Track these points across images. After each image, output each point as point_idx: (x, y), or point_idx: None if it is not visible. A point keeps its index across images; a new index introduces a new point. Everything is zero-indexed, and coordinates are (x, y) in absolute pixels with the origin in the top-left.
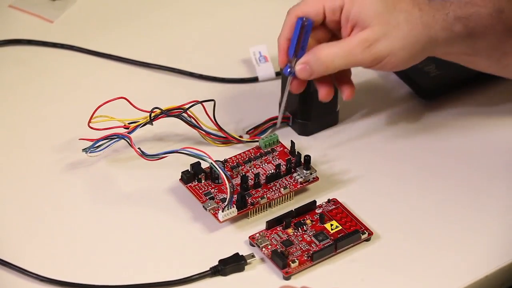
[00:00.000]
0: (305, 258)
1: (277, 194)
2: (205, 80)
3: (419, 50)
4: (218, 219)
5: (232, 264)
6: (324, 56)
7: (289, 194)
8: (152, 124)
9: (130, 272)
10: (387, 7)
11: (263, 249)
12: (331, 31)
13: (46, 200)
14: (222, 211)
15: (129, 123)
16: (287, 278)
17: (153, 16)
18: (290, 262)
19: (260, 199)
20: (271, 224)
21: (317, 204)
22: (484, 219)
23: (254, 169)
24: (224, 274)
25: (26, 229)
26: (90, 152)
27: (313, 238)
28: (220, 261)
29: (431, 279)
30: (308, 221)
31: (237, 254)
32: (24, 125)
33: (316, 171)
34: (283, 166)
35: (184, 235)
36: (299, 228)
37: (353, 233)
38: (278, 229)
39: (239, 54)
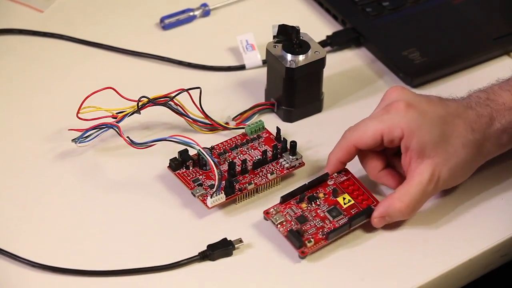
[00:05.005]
0: (320, 236)
1: (264, 179)
2: (194, 69)
3: (474, 168)
4: (206, 205)
5: (220, 249)
6: (404, 208)
7: (276, 180)
8: (139, 113)
9: (120, 257)
10: (444, 136)
11: (279, 226)
12: (385, 157)
13: (37, 188)
14: (211, 197)
15: (117, 113)
16: (303, 257)
17: (142, 6)
18: (306, 242)
19: (247, 185)
20: (286, 199)
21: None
22: (479, 198)
23: (241, 155)
24: (213, 259)
25: (17, 216)
26: (79, 142)
27: (326, 214)
28: (208, 246)
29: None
30: (321, 195)
31: (225, 239)
32: (15, 114)
33: (302, 156)
34: (269, 152)
35: (173, 221)
36: (313, 203)
37: (366, 210)
38: (292, 203)
39: (226, 43)
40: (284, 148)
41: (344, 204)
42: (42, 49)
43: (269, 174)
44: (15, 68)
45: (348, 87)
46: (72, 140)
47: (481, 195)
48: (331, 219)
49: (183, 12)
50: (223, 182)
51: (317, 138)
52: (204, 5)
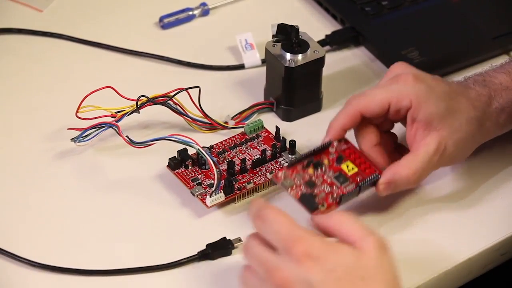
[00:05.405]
0: (331, 201)
1: (263, 178)
2: (192, 68)
3: (475, 146)
4: (206, 204)
5: (220, 248)
6: (411, 175)
7: None
8: (139, 112)
9: (119, 256)
10: (450, 110)
11: (289, 190)
12: (380, 134)
13: (36, 188)
14: (210, 197)
15: (116, 112)
16: None
17: (141, 5)
18: (319, 205)
19: (246, 184)
20: (293, 163)
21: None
22: (478, 197)
23: (240, 154)
24: (212, 258)
25: (17, 215)
26: (78, 142)
27: (334, 180)
28: (207, 245)
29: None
30: (325, 161)
31: (224, 238)
32: (14, 114)
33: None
34: (269, 151)
35: (172, 220)
36: (319, 168)
37: (372, 177)
38: (299, 168)
39: (225, 42)
40: (283, 147)
41: (349, 171)
42: (41, 49)
43: (268, 173)
44: (14, 68)
45: (347, 86)
46: (71, 139)
47: (480, 194)
48: (338, 185)
49: (182, 11)
50: (222, 181)
51: (316, 137)
52: (203, 4)
